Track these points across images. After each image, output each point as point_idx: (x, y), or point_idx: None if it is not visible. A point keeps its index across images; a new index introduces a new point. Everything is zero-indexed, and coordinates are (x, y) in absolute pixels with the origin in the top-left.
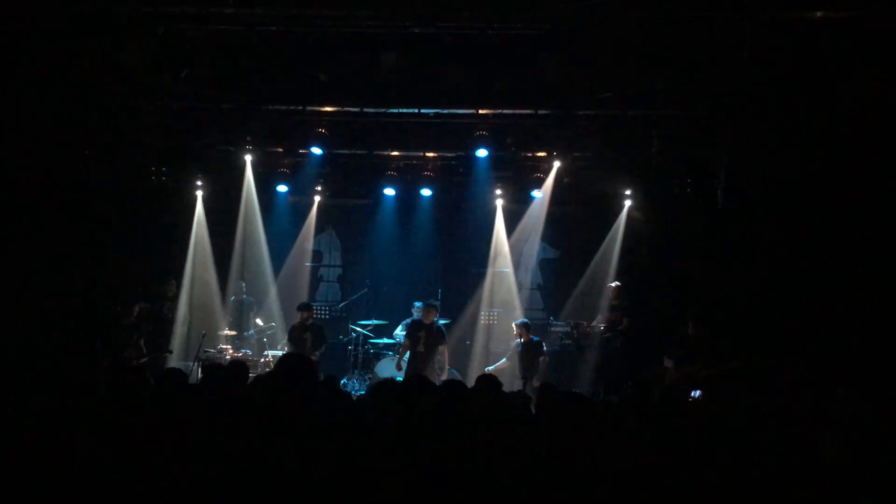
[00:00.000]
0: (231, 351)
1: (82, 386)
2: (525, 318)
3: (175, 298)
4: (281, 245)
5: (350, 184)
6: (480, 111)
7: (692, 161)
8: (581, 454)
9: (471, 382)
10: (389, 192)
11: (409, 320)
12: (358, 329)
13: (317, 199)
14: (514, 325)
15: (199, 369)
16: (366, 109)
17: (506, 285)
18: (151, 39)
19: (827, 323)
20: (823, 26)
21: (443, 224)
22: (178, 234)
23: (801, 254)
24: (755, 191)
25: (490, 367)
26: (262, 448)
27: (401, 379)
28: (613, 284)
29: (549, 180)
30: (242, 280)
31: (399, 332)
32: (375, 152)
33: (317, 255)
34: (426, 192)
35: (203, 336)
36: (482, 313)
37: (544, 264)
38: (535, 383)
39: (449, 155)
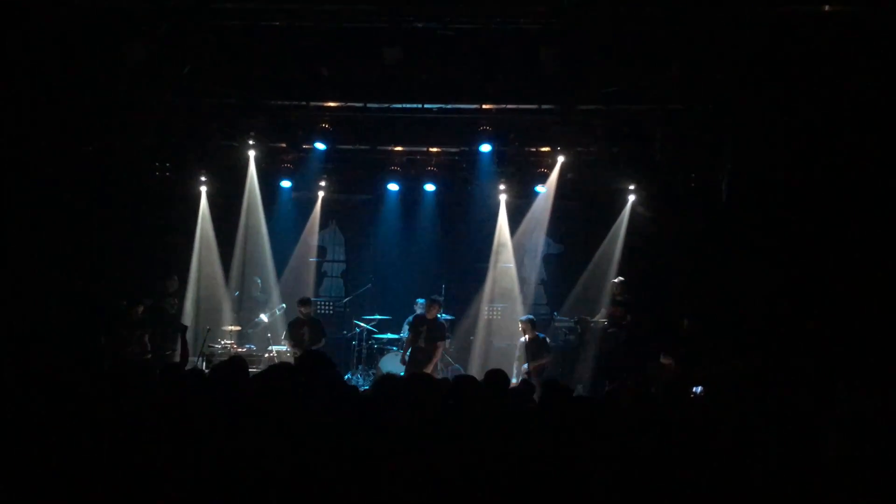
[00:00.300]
0: (235, 346)
1: (86, 383)
2: (530, 313)
3: (177, 294)
4: (285, 241)
5: (353, 179)
6: (484, 106)
7: (696, 156)
8: (584, 451)
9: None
10: (393, 187)
11: (412, 318)
12: (362, 324)
13: (320, 194)
14: (519, 322)
15: (204, 364)
16: (369, 105)
17: (509, 280)
18: (154, 35)
19: (830, 319)
20: (829, 20)
21: (446, 219)
22: (182, 230)
23: (805, 249)
24: (759, 186)
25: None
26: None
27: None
28: (617, 280)
29: (553, 175)
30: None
31: (406, 332)
32: (379, 147)
33: (321, 251)
34: (429, 187)
35: (207, 331)
36: (485, 308)
37: (548, 259)
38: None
39: (452, 150)
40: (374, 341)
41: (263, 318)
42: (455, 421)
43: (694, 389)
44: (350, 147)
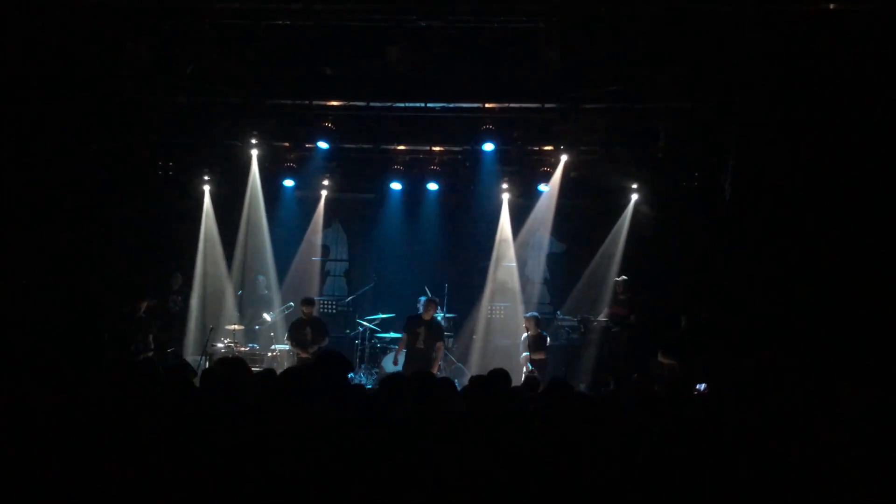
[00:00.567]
0: (238, 345)
1: (88, 380)
2: (534, 311)
3: (181, 292)
4: (288, 240)
5: (356, 178)
6: (487, 105)
7: (699, 155)
8: (588, 449)
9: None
10: (396, 186)
11: (407, 318)
12: (365, 323)
13: (323, 193)
14: (524, 318)
15: (207, 363)
16: (372, 104)
17: (511, 279)
18: (158, 34)
19: (832, 318)
20: (834, 19)
21: (449, 218)
22: (185, 228)
23: (808, 248)
24: (762, 184)
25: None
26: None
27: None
28: (621, 278)
29: (557, 174)
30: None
31: None
32: (382, 146)
33: (324, 250)
34: (432, 186)
35: (210, 330)
36: (487, 307)
37: (551, 258)
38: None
39: (455, 149)
40: (376, 340)
41: (267, 317)
42: (460, 419)
43: (697, 387)
44: (353, 146)
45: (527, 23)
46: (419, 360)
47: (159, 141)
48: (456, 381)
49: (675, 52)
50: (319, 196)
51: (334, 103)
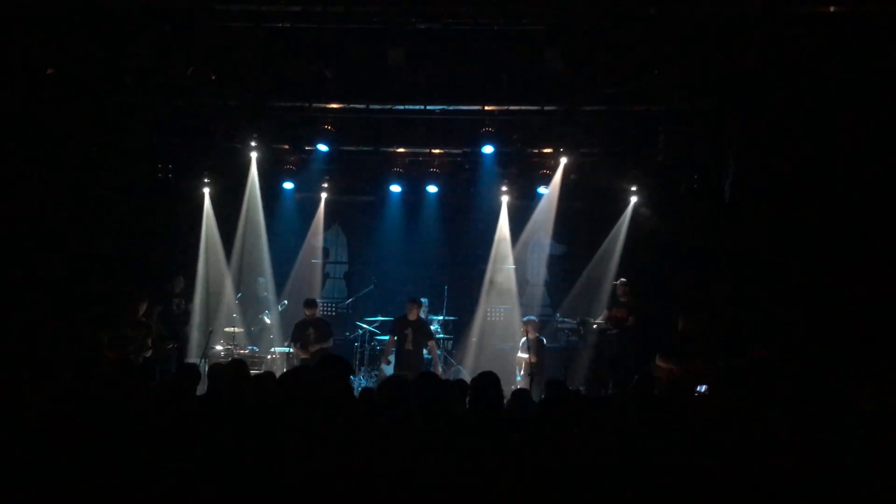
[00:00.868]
0: (238, 348)
1: (87, 382)
2: (532, 314)
3: (183, 294)
4: (288, 242)
5: (356, 181)
6: (487, 107)
7: (699, 157)
8: (589, 450)
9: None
10: (395, 188)
11: (392, 320)
12: (364, 326)
13: (323, 196)
14: (523, 322)
15: (207, 366)
16: (372, 106)
17: (509, 282)
18: (158, 36)
19: (833, 318)
20: (834, 21)
21: (449, 221)
22: (185, 230)
23: (808, 250)
24: (762, 187)
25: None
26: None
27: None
28: (619, 281)
29: (557, 177)
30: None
31: None
32: (381, 149)
33: (324, 253)
34: (432, 188)
35: (210, 333)
36: (485, 310)
37: (551, 261)
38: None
39: (455, 151)
40: (376, 343)
41: (265, 318)
42: (461, 421)
43: (698, 388)
44: (353, 148)
45: (526, 25)
46: (410, 361)
47: (159, 143)
48: None
49: (674, 54)
50: (319, 198)
51: (334, 105)
